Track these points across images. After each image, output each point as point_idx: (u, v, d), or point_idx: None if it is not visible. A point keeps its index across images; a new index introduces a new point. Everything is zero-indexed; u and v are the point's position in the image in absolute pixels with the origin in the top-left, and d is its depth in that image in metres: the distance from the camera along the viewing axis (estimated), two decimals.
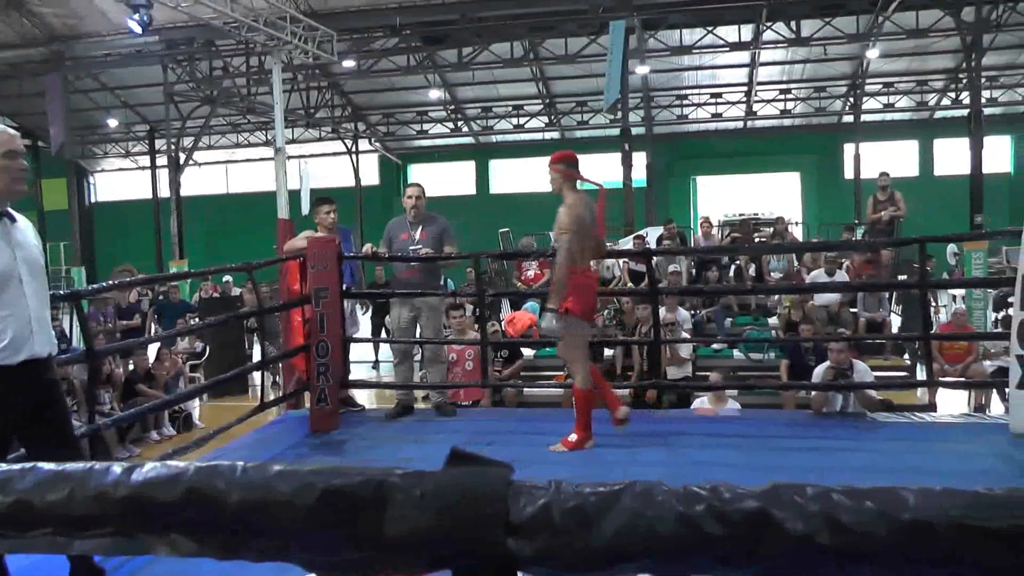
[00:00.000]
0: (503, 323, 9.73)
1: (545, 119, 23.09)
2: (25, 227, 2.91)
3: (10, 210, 2.82)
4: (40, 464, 0.74)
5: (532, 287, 10.79)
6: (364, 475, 0.62)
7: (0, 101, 20.80)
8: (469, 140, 24.65)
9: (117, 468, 0.69)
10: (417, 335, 5.98)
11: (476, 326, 9.27)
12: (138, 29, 12.00)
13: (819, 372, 6.04)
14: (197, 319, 11.91)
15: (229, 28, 12.85)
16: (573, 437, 4.69)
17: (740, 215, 16.80)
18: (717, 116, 23.67)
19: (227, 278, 13.10)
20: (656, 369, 7.61)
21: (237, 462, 0.68)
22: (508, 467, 0.63)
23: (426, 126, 24.13)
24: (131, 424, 8.45)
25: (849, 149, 23.55)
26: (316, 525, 0.62)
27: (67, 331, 10.44)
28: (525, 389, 8.52)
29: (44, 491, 0.71)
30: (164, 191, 22.61)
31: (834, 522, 0.50)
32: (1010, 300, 7.48)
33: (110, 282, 5.18)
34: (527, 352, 9.20)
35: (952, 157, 22.21)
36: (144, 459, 0.75)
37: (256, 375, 10.07)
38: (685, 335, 8.71)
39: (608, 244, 13.82)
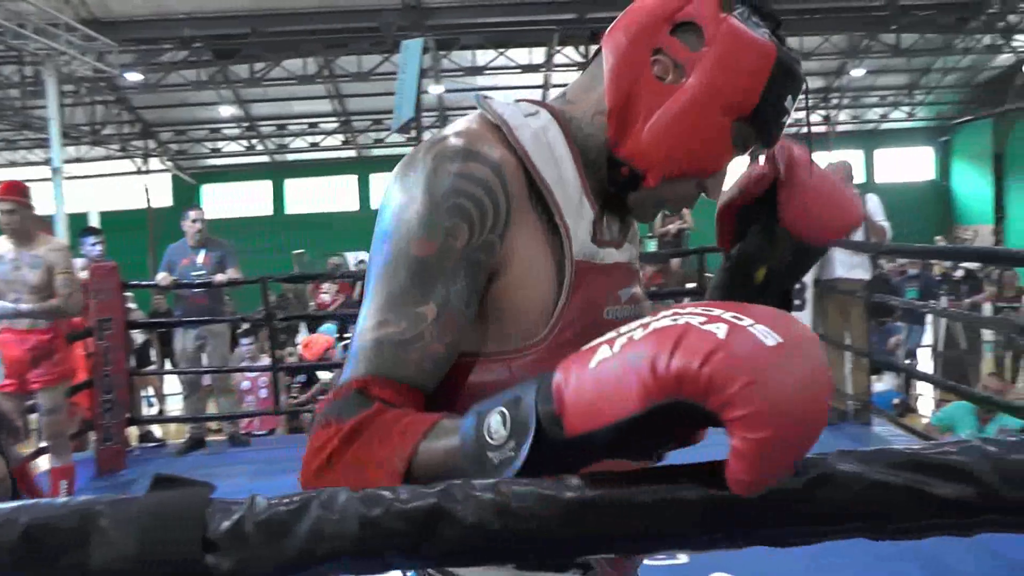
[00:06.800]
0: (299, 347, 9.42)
1: (341, 137, 22.79)
2: None
3: None
4: None
5: (328, 311, 10.43)
6: (68, 507, 0.62)
7: None
8: (264, 159, 23.85)
9: None
10: (204, 364, 5.77)
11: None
12: None
13: None
14: None
15: None
16: None
17: None
18: None
19: None
20: None
21: None
22: (208, 486, 0.65)
23: (220, 144, 23.05)
24: None
25: None
26: (21, 563, 0.61)
27: None
28: None
29: None
30: None
31: (503, 508, 0.57)
32: None
33: None
34: (324, 375, 8.95)
35: None
36: None
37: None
38: None
39: None
